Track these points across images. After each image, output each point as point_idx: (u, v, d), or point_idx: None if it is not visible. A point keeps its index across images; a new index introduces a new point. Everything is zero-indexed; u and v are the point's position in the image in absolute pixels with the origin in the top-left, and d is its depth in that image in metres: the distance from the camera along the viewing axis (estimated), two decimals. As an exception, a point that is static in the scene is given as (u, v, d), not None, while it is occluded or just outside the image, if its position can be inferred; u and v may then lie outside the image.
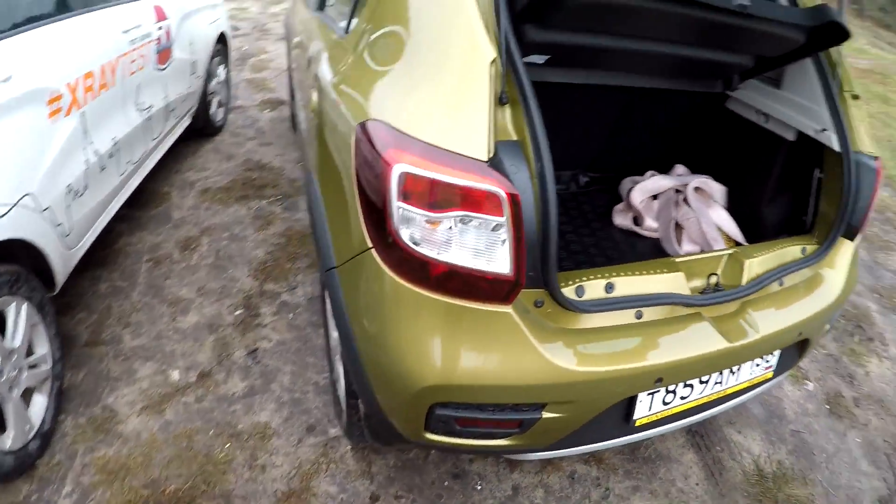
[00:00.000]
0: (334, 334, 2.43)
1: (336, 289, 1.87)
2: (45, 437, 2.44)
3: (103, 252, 3.49)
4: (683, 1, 1.88)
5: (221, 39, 5.29)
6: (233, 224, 4.00)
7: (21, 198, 2.33)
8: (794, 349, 2.35)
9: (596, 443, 2.01)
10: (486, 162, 1.50)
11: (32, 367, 2.41)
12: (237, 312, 3.21)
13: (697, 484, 2.63)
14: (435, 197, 1.49)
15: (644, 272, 1.91)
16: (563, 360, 1.67)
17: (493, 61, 1.55)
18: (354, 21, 2.34)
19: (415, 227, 1.52)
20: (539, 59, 2.43)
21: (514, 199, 1.49)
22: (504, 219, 1.50)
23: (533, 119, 1.58)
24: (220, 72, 5.33)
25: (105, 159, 3.05)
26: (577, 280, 1.79)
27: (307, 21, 3.62)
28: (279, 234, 3.93)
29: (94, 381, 2.75)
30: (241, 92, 6.48)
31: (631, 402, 1.91)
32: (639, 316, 1.86)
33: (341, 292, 1.85)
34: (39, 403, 2.44)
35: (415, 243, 1.53)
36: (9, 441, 2.21)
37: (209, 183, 4.49)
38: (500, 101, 1.57)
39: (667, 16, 2.01)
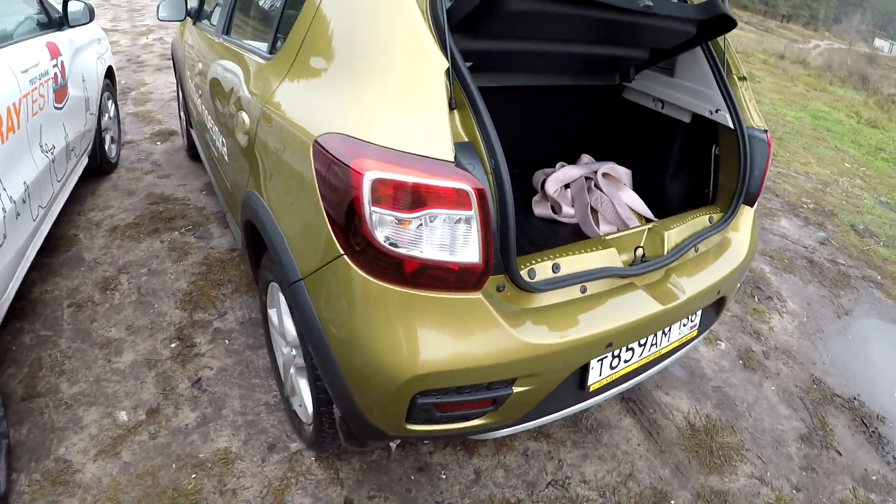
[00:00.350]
0: (284, 350, 2.50)
1: (304, 300, 1.93)
2: (2, 499, 2.36)
3: (20, 303, 3.37)
4: (597, 4, 2.06)
5: (108, 74, 5.18)
6: (149, 259, 3.93)
7: None
8: (713, 308, 2.59)
9: (558, 412, 2.17)
10: (453, 162, 1.63)
11: None
12: (172, 345, 3.17)
13: (639, 444, 2.84)
14: (407, 198, 1.60)
15: (581, 251, 2.09)
16: (528, 336, 1.82)
17: (447, 70, 1.68)
18: (281, 41, 2.41)
19: (388, 228, 1.63)
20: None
21: (480, 194, 1.63)
22: (472, 212, 1.64)
23: (484, 121, 1.72)
24: (110, 107, 5.22)
25: (19, 205, 2.96)
26: (528, 264, 1.95)
27: (209, 47, 3.63)
28: (198, 263, 3.91)
29: (40, 434, 2.65)
30: (129, 126, 6.33)
31: (584, 370, 2.09)
32: (583, 290, 2.04)
33: (311, 303, 1.91)
34: None
35: (390, 244, 1.64)
36: None
37: (116, 221, 4.39)
38: (450, 106, 1.69)
39: (580, 18, 2.20)
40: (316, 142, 1.81)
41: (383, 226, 1.63)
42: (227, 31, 3.35)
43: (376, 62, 1.80)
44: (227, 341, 3.22)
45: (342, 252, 1.73)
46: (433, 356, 1.72)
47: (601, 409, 2.99)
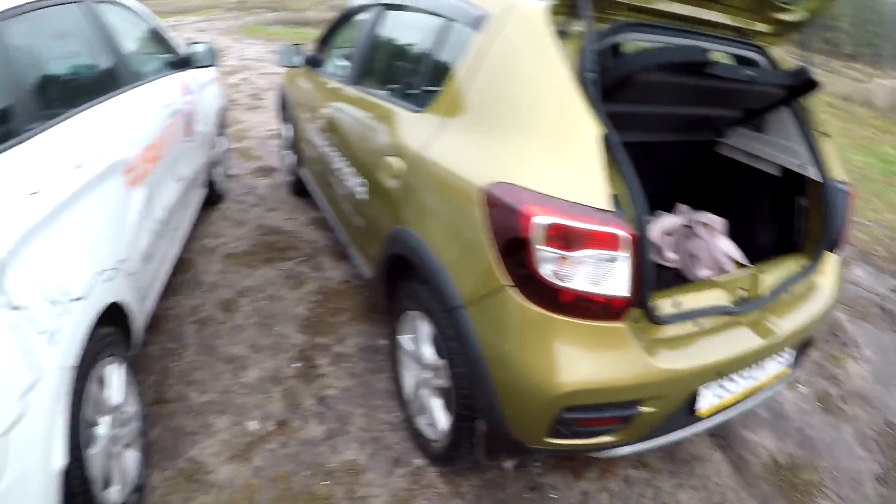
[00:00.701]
0: (418, 373, 2.78)
1: (464, 324, 2.22)
2: (140, 490, 2.57)
3: (146, 318, 3.69)
4: (710, 75, 2.35)
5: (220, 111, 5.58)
6: (266, 285, 4.22)
7: (118, 263, 2.56)
8: (802, 348, 2.83)
9: (668, 434, 2.42)
10: (612, 211, 1.93)
11: (126, 423, 2.54)
12: (295, 365, 3.41)
13: (728, 477, 3.01)
14: (570, 239, 1.91)
15: (695, 291, 2.37)
16: (659, 361, 2.10)
17: (603, 135, 1.99)
18: (431, 95, 2.72)
19: (551, 264, 1.93)
20: None
21: (633, 239, 1.93)
22: (624, 253, 1.93)
23: (632, 179, 2.04)
24: (221, 142, 5.60)
25: (161, 227, 3.29)
26: (653, 301, 2.21)
27: (335, 94, 3.99)
28: (314, 292, 4.17)
29: (172, 436, 2.89)
30: (231, 161, 6.68)
31: (694, 397, 2.33)
32: (698, 325, 2.30)
33: (472, 326, 2.19)
34: (133, 458, 2.57)
35: (551, 277, 1.93)
36: (116, 495, 2.32)
37: (230, 248, 4.72)
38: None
39: (691, 86, 2.49)
40: (484, 190, 2.11)
41: (547, 262, 1.93)
42: (359, 81, 3.68)
43: (539, 122, 2.12)
44: (348, 365, 3.45)
45: (506, 283, 2.03)
46: (581, 375, 2.01)
47: (693, 443, 3.17)
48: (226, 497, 2.62)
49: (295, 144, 5.39)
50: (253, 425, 3.00)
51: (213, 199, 5.37)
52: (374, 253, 3.17)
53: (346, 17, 4.62)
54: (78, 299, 2.18)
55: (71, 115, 2.62)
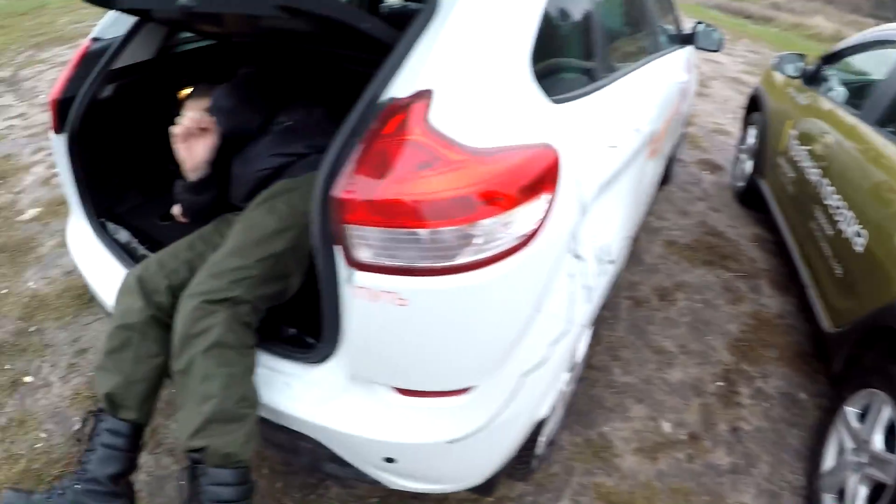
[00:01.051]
0: (843, 450, 2.72)
1: None
2: (551, 445, 2.71)
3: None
4: None
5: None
6: (703, 288, 4.26)
7: (632, 230, 2.75)
8: None
9: None
10: None
11: (573, 381, 2.65)
12: (718, 384, 3.43)
13: None
14: None
15: None
16: None
17: None
18: None
19: None
20: None
21: None
22: None
23: None
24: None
25: (646, 199, 3.43)
26: None
27: (846, 127, 3.78)
28: (748, 315, 4.09)
29: (589, 404, 3.07)
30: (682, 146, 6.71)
31: None
32: None
33: None
34: (558, 415, 2.61)
35: None
36: (539, 447, 2.40)
37: (672, 235, 4.85)
38: None
39: None
40: None
41: None
42: (883, 123, 3.43)
43: None
44: (766, 405, 3.36)
45: None
46: None
47: None
48: (626, 487, 2.75)
49: (759, 153, 5.27)
50: (667, 427, 3.11)
51: (663, 179, 5.40)
52: (846, 308, 3.06)
53: (870, 45, 4.35)
54: (611, 262, 2.29)
55: (623, 75, 2.63)
